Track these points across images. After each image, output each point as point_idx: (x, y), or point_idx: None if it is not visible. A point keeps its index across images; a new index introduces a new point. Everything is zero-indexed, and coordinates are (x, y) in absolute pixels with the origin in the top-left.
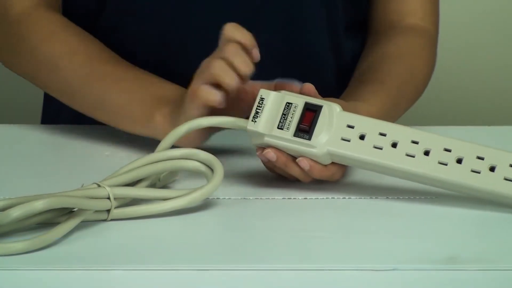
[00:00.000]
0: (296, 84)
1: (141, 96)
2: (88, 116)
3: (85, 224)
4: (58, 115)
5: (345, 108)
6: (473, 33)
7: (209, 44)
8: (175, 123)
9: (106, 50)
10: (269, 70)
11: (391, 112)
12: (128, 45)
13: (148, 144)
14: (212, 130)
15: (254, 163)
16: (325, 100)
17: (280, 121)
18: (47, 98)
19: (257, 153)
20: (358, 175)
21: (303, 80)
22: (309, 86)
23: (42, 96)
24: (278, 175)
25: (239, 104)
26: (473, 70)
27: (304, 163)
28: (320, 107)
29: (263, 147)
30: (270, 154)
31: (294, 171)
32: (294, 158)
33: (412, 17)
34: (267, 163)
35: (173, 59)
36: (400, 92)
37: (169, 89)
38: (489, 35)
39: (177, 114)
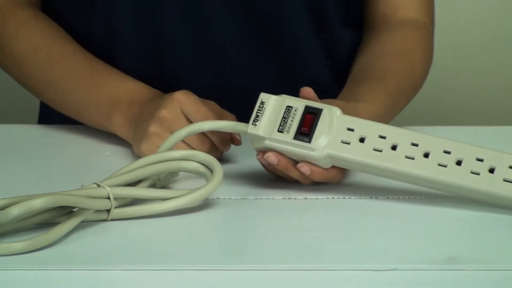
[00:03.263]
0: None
1: (98, 98)
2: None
3: (85, 224)
4: (54, 114)
5: (345, 109)
6: (473, 33)
7: (195, 44)
8: (133, 129)
9: (67, 44)
10: (255, 72)
11: (390, 110)
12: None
13: None
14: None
15: (254, 163)
16: (325, 102)
17: (280, 124)
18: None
19: (258, 157)
20: (358, 176)
21: (291, 79)
22: (308, 90)
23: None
24: (278, 176)
25: None
26: (473, 70)
27: (305, 168)
28: (320, 110)
29: (263, 151)
30: (271, 157)
31: (294, 174)
32: (294, 161)
33: (405, 10)
34: (267, 166)
35: (163, 65)
36: (399, 89)
37: (126, 90)
38: (489, 35)
39: (134, 122)
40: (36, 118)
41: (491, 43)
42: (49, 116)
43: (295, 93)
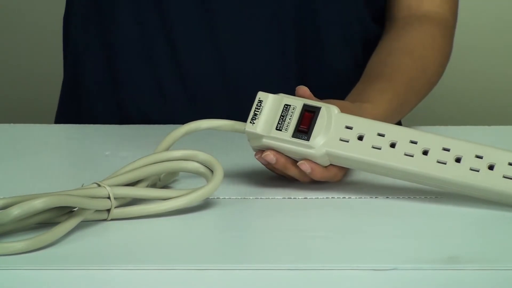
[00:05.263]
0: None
1: None
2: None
3: (85, 224)
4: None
5: (350, 110)
6: (472, 33)
7: (207, 41)
8: None
9: None
10: (280, 67)
11: (398, 110)
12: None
13: (148, 144)
14: None
15: (254, 163)
16: (323, 102)
17: (278, 123)
18: (62, 100)
19: (256, 156)
20: (358, 175)
21: (314, 75)
22: (304, 89)
23: (42, 97)
24: (278, 175)
25: None
26: (473, 70)
27: (305, 166)
28: (318, 108)
29: (262, 150)
30: (270, 156)
31: (293, 172)
32: (293, 159)
33: (429, 3)
34: (266, 165)
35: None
36: (410, 88)
37: None
38: (489, 35)
39: None
40: (38, 118)
41: (491, 43)
42: (66, 116)
43: (314, 90)
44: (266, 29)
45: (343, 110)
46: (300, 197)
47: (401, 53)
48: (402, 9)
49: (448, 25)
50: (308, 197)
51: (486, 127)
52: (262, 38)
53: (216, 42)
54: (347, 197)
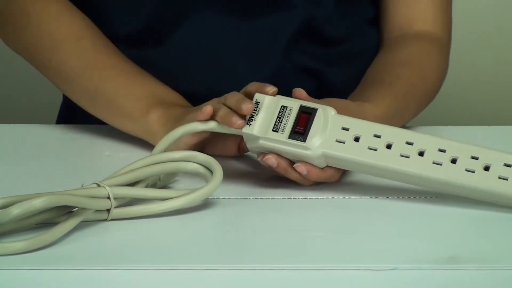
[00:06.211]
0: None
1: (140, 92)
2: (79, 106)
3: (85, 224)
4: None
5: (351, 108)
6: (472, 33)
7: (222, 62)
8: (168, 127)
9: (111, 43)
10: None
11: (398, 113)
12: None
13: (148, 144)
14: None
15: (254, 163)
16: (326, 101)
17: (275, 124)
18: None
19: (258, 158)
20: (358, 175)
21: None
22: (300, 91)
23: (43, 97)
24: (278, 176)
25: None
26: (473, 70)
27: (301, 168)
28: (315, 110)
29: (263, 153)
30: (271, 160)
31: (293, 176)
32: (293, 163)
33: (421, 23)
34: (268, 167)
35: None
36: (409, 95)
37: (169, 94)
38: (489, 35)
39: (172, 121)
40: (38, 119)
41: (490, 43)
42: (69, 118)
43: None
44: (270, 43)
45: (343, 109)
46: (300, 197)
47: (399, 64)
48: (393, 29)
49: (442, 43)
50: (308, 197)
51: (486, 127)
52: (266, 52)
53: (219, 50)
54: (347, 197)
